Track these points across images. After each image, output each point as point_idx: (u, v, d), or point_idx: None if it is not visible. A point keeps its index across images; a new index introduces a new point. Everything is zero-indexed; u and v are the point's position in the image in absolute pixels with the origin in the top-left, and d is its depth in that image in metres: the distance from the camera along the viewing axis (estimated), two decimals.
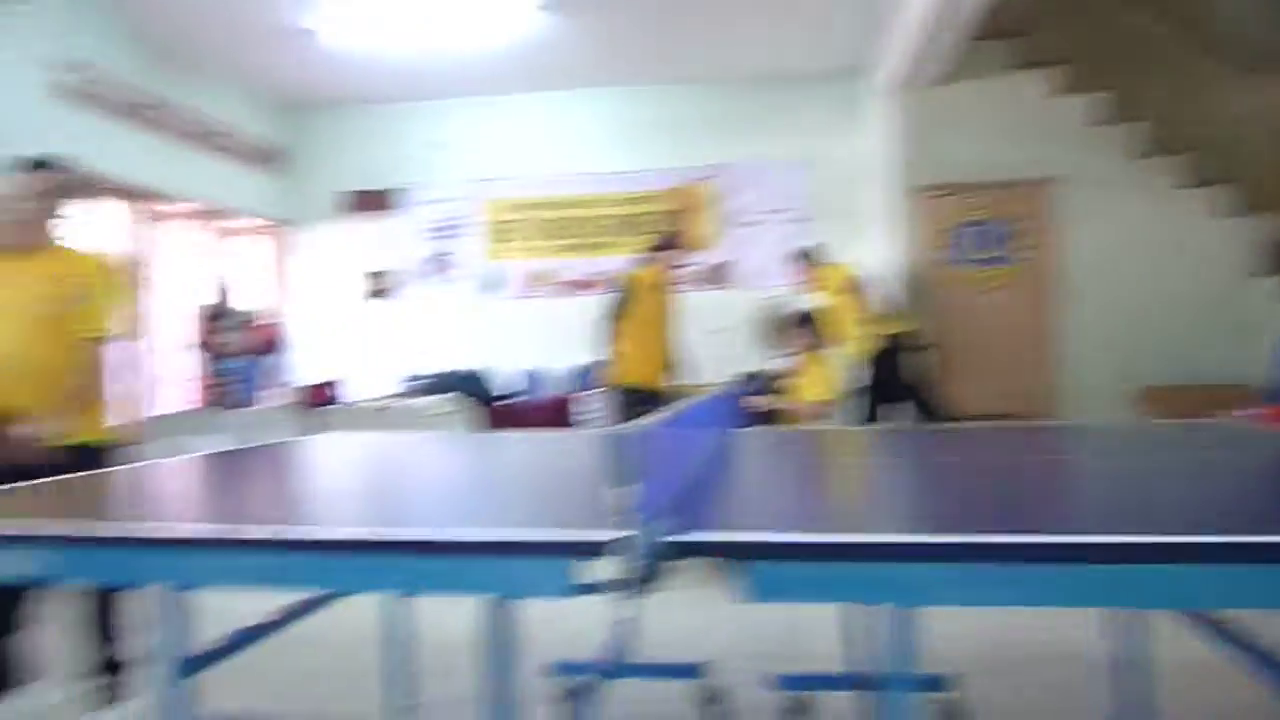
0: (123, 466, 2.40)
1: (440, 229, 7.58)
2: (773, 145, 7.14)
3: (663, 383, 5.01)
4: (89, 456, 2.61)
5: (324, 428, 4.58)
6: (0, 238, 2.72)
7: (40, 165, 2.77)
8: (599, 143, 7.37)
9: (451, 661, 3.00)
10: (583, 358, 7.00)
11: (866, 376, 5.24)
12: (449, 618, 2.98)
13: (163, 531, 1.38)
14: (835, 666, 2.68)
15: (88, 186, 5.54)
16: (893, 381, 5.21)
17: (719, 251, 7.24)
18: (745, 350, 5.95)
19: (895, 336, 5.29)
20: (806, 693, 2.52)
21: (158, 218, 6.22)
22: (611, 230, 7.40)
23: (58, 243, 2.81)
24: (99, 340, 2.79)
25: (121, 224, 6.02)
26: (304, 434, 4.40)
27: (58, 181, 2.80)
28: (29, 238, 2.73)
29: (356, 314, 7.60)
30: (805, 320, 4.75)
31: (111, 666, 2.84)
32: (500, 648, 1.51)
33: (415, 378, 6.50)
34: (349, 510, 1.72)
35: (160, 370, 6.18)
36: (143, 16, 5.65)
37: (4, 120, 4.79)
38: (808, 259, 5.61)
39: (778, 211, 7.19)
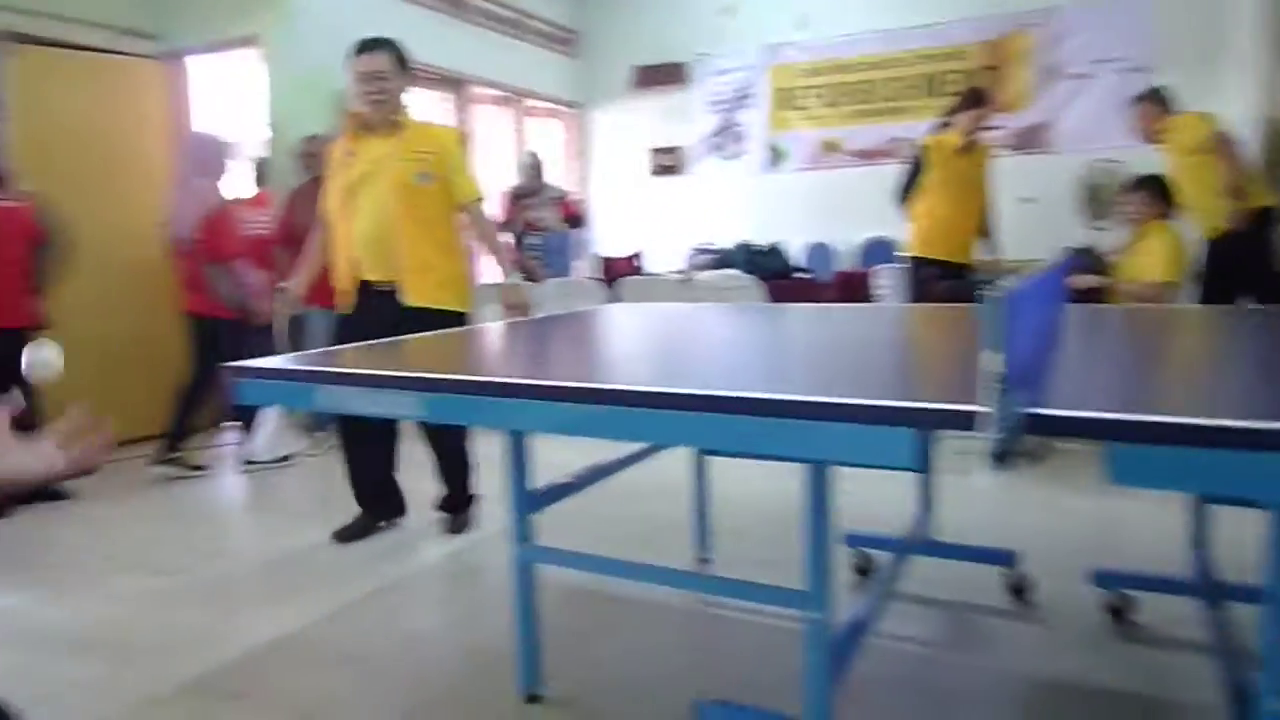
0: (467, 328, 2.66)
1: (727, 101, 7.45)
2: None
3: (970, 257, 4.66)
4: (453, 321, 2.86)
5: (627, 297, 4.81)
6: (360, 117, 2.97)
7: (376, 45, 2.95)
8: None
9: (742, 522, 3.13)
10: (875, 231, 6.73)
11: (1220, 257, 4.44)
12: (739, 480, 3.08)
13: (513, 382, 1.50)
14: (1154, 568, 2.43)
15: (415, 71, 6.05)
16: (1253, 266, 4.38)
17: (1037, 111, 6.45)
18: (1067, 222, 5.32)
19: (1263, 211, 4.40)
20: (1127, 592, 2.32)
21: (468, 103, 6.68)
22: (911, 93, 6.85)
23: (409, 118, 3.01)
24: (467, 207, 3.02)
25: (439, 109, 6.54)
26: (610, 303, 4.67)
27: (398, 57, 2.98)
28: (384, 114, 2.94)
29: (648, 190, 7.78)
30: (1146, 185, 4.12)
31: (464, 501, 3.26)
32: (818, 514, 1.51)
33: (705, 251, 6.58)
34: (686, 370, 1.76)
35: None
36: None
37: (344, 14, 5.31)
38: (1157, 104, 4.69)
39: (1109, 61, 6.22)
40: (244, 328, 4.09)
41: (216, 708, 2.04)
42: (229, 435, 4.42)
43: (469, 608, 2.59)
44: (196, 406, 4.17)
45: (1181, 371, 1.64)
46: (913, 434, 1.06)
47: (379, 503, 3.20)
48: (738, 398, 1.18)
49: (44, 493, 3.80)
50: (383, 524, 3.21)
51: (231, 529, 3.47)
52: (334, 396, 1.56)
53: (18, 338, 3.78)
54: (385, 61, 2.92)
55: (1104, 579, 2.36)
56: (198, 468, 4.23)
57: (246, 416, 4.20)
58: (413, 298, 2.91)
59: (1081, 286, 3.91)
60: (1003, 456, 0.96)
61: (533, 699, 1.97)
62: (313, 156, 4.54)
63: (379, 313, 2.85)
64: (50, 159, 4.52)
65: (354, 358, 1.84)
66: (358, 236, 2.91)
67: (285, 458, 4.18)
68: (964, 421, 1.02)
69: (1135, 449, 0.99)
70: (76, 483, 4.04)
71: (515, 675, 1.98)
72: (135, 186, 5.02)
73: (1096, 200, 4.78)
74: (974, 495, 3.30)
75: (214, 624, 2.51)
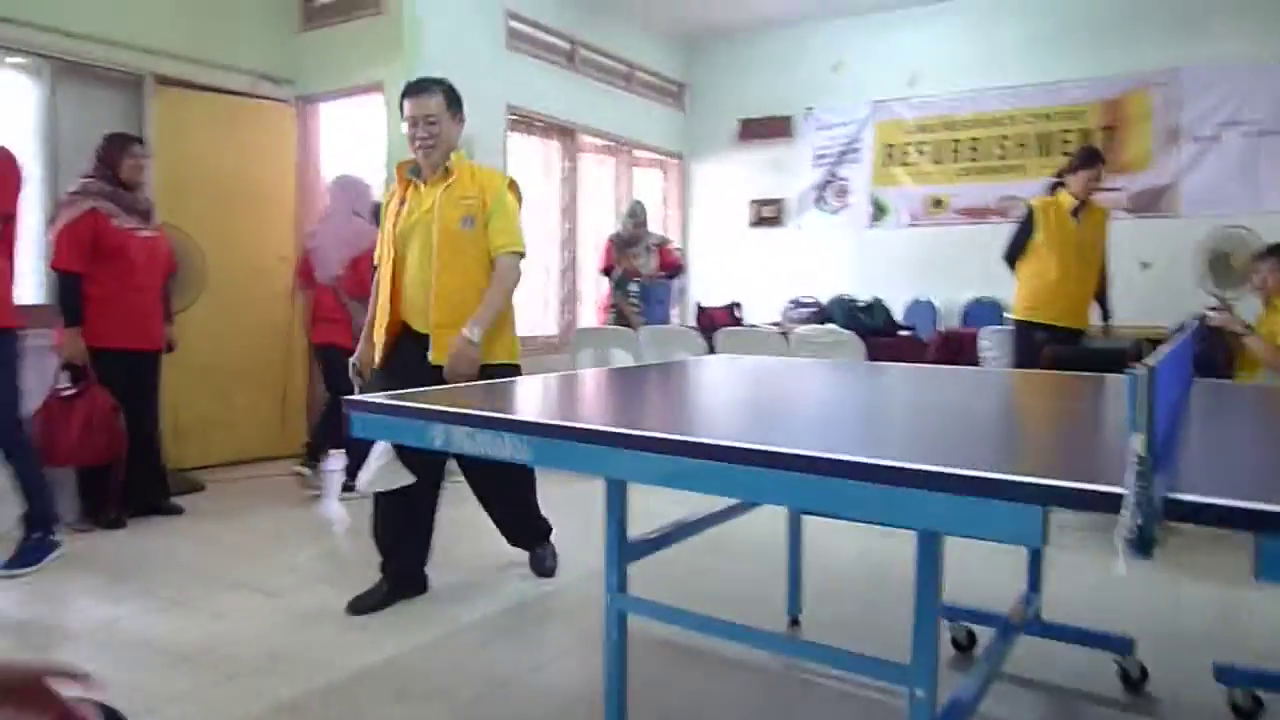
0: (564, 373, 2.69)
1: (832, 155, 7.43)
2: (1238, 44, 5.89)
3: (1083, 322, 4.49)
4: (502, 374, 2.67)
5: (724, 348, 4.80)
6: (421, 166, 2.88)
7: (426, 86, 2.82)
8: (1012, 53, 6.64)
9: (835, 583, 3.04)
10: (979, 291, 6.56)
11: None
12: (834, 538, 3.00)
13: (613, 431, 1.50)
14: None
15: (526, 121, 6.25)
16: None
17: (1157, 173, 6.21)
18: (1187, 288, 5.07)
19: None
20: (1255, 691, 2.15)
21: (576, 151, 6.86)
22: (1022, 151, 6.70)
23: (461, 162, 2.88)
24: (495, 256, 2.84)
25: (547, 157, 6.74)
26: (706, 353, 4.67)
27: (450, 98, 2.85)
28: (434, 160, 2.83)
29: (747, 241, 7.80)
30: (1277, 253, 3.92)
31: (541, 533, 3.24)
32: (928, 587, 1.45)
33: (802, 304, 6.53)
34: (797, 429, 1.74)
35: (580, 289, 6.91)
36: None
37: (463, 63, 5.55)
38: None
39: (1237, 124, 5.96)
40: None
41: None
42: (339, 462, 4.57)
43: (556, 651, 2.59)
44: (335, 430, 4.36)
45: None
46: (1041, 511, 1.01)
47: (404, 570, 2.95)
48: (855, 463, 1.15)
49: (156, 507, 4.00)
50: (402, 596, 2.94)
51: (335, 555, 3.57)
52: (445, 435, 1.60)
53: (154, 359, 4.04)
54: (436, 104, 2.81)
55: (1228, 674, 2.20)
56: (316, 489, 4.42)
57: (361, 447, 4.37)
58: (440, 356, 2.76)
59: (1218, 324, 3.74)
60: (1144, 543, 0.90)
61: None
62: None
63: (414, 359, 2.77)
64: (187, 194, 4.84)
65: (464, 398, 1.88)
66: (405, 286, 2.85)
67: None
68: (1099, 502, 0.97)
69: None
70: (188, 498, 4.24)
71: None
72: (262, 223, 5.32)
73: (1223, 267, 4.53)
74: (1084, 574, 3.13)
75: (310, 647, 2.57)
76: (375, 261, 3.00)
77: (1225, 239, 4.65)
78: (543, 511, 3.30)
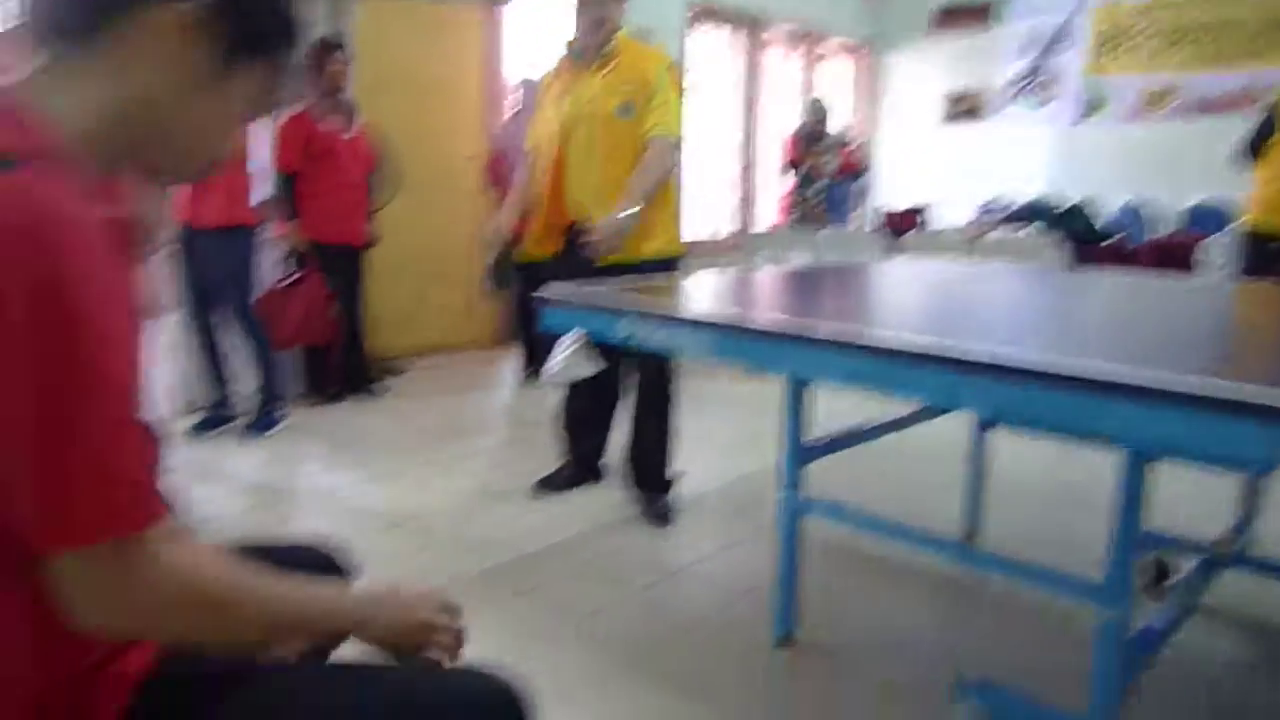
0: (746, 268, 2.67)
1: (1039, 43, 6.77)
2: None
3: None
4: (661, 267, 2.63)
5: (910, 251, 4.60)
6: (581, 48, 2.69)
7: None
8: None
9: (1016, 498, 2.93)
10: (1205, 193, 5.88)
11: None
12: (1016, 452, 2.88)
13: (798, 329, 1.48)
14: None
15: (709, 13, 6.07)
16: None
17: None
18: None
19: None
20: None
21: (758, 44, 6.60)
22: (1260, 35, 5.82)
23: (623, 44, 2.70)
24: (647, 140, 2.64)
25: (731, 51, 6.53)
26: (890, 257, 4.49)
27: None
28: (599, 41, 2.65)
29: (940, 138, 7.33)
30: None
31: (663, 484, 2.96)
32: (1130, 506, 1.37)
33: (1000, 206, 6.10)
34: (990, 333, 1.67)
35: (758, 188, 6.78)
36: None
37: None
38: None
39: None
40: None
41: (507, 599, 2.26)
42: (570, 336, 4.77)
43: (731, 544, 2.66)
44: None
45: None
46: (1270, 434, 0.93)
47: (586, 457, 3.08)
48: (1064, 375, 1.09)
49: (367, 387, 4.38)
50: (582, 482, 3.08)
51: (518, 440, 3.80)
52: (634, 328, 1.64)
53: (358, 255, 4.35)
54: None
55: None
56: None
57: (548, 339, 4.58)
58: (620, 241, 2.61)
59: None
60: None
61: (783, 643, 1.99)
62: None
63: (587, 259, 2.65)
64: (384, 96, 5.06)
65: (651, 292, 1.92)
66: (570, 178, 2.75)
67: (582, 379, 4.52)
68: None
69: None
70: (391, 381, 4.61)
71: (772, 618, 2.01)
72: (452, 123, 5.51)
73: None
74: None
75: (498, 525, 2.78)
76: (529, 145, 2.91)
77: None
78: (697, 412, 3.24)
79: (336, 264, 4.17)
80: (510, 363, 5.11)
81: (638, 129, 2.63)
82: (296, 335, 4.00)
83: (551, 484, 3.05)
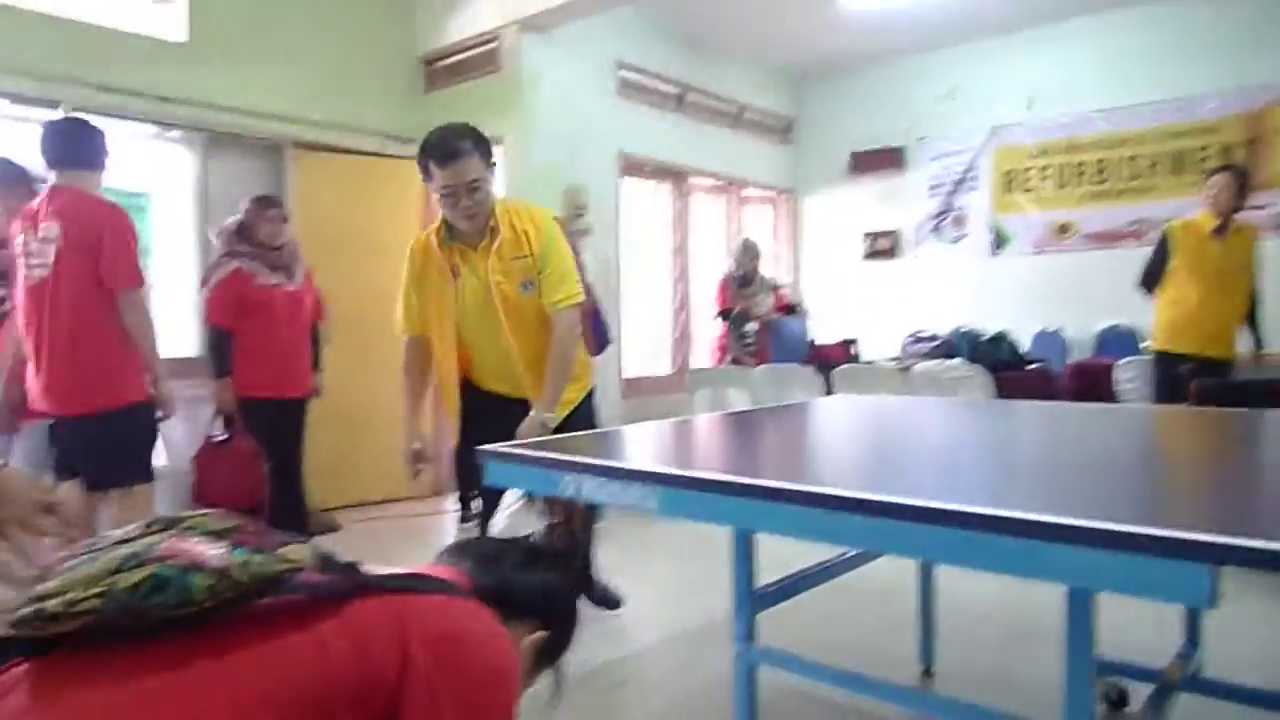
0: (684, 418, 2.70)
1: (948, 184, 7.26)
2: None
3: (1229, 351, 4.22)
4: (579, 411, 2.74)
5: (843, 384, 4.71)
6: (458, 229, 2.63)
7: (461, 148, 2.50)
8: (1137, 69, 6.34)
9: (970, 631, 2.91)
10: (1113, 319, 6.24)
11: None
12: (968, 584, 2.88)
13: (739, 482, 1.49)
14: None
15: (638, 167, 6.39)
16: None
17: None
18: None
19: None
20: None
21: (684, 192, 6.93)
22: (1153, 172, 6.37)
23: (501, 212, 2.63)
24: (570, 310, 2.66)
25: (659, 200, 6.84)
26: (824, 392, 4.60)
27: (484, 151, 2.56)
28: (480, 225, 2.60)
29: (862, 274, 7.68)
30: None
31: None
32: (1080, 647, 1.38)
33: (922, 339, 6.36)
34: (927, 476, 1.70)
35: (693, 327, 6.95)
36: (676, 14, 6.28)
37: (588, 117, 5.73)
38: None
39: None
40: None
41: None
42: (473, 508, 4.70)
43: (681, 699, 2.57)
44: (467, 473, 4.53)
45: None
46: (1209, 571, 0.95)
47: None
48: (1007, 518, 1.11)
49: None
50: None
51: None
52: (575, 484, 1.63)
53: (300, 405, 4.28)
54: (476, 165, 2.51)
55: None
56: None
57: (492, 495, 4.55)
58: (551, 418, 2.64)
59: None
60: None
61: None
62: None
63: (507, 415, 2.64)
64: (322, 249, 5.13)
65: (593, 448, 1.92)
66: (485, 360, 2.75)
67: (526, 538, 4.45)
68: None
69: None
70: (325, 539, 4.45)
71: None
72: (392, 274, 5.57)
73: None
74: (1252, 623, 2.90)
75: None
76: (406, 331, 2.84)
77: None
78: (645, 558, 3.28)
79: (276, 417, 4.09)
80: (450, 514, 4.99)
81: (540, 301, 2.64)
82: (224, 494, 3.87)
83: None
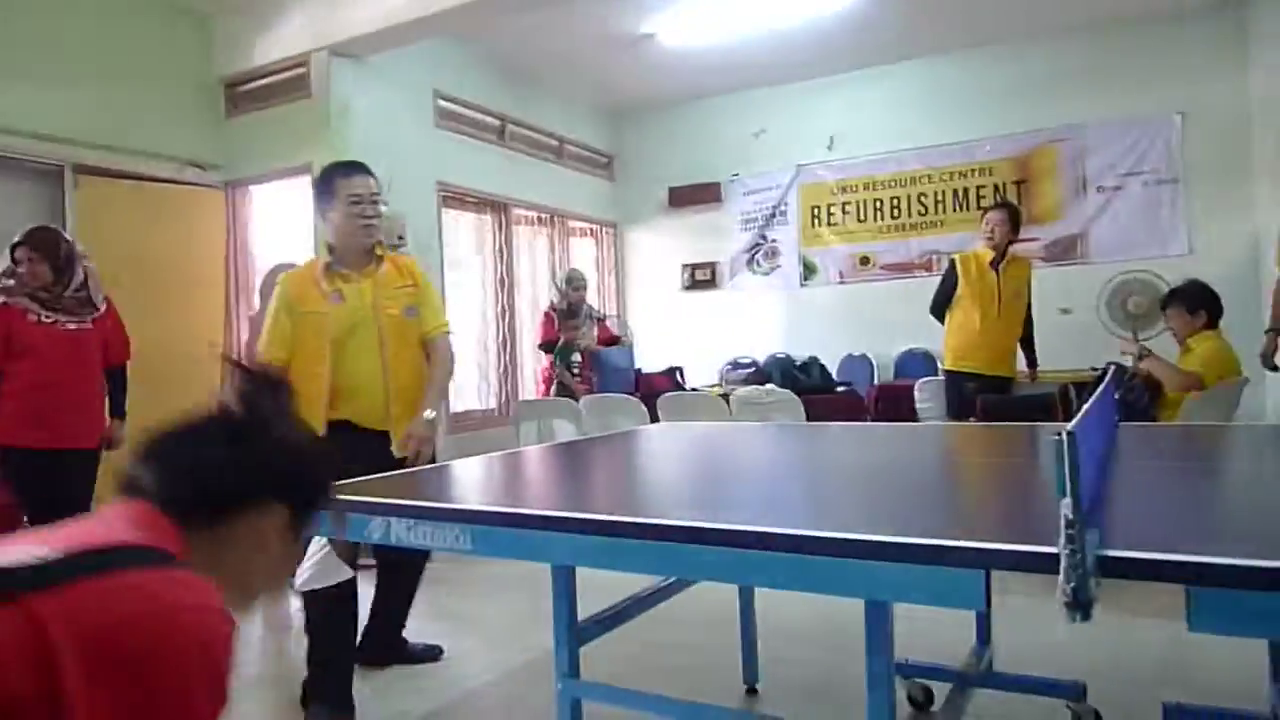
0: (504, 452, 2.66)
1: (760, 218, 7.63)
2: (1135, 99, 6.26)
3: (1010, 370, 4.64)
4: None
5: (666, 414, 4.81)
6: (345, 255, 2.74)
7: (362, 167, 2.74)
8: (926, 115, 6.95)
9: (790, 647, 3.02)
10: (911, 343, 6.74)
11: None
12: (786, 602, 2.98)
13: (560, 515, 1.48)
14: (1225, 702, 2.28)
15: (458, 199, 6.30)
16: None
17: (1069, 223, 6.51)
18: (1104, 333, 5.26)
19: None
20: None
21: (507, 224, 6.90)
22: (940, 207, 6.97)
23: (381, 251, 2.80)
24: (436, 339, 2.85)
25: (482, 231, 6.77)
26: (649, 420, 4.67)
27: (377, 185, 2.76)
28: (375, 241, 2.76)
29: (683, 304, 7.90)
30: (1178, 299, 4.12)
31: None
32: (875, 648, 1.45)
33: (741, 365, 6.61)
34: (737, 502, 1.74)
35: (520, 360, 6.88)
36: (495, 46, 6.29)
37: (391, 144, 5.59)
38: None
39: (1138, 174, 6.31)
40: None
41: None
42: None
43: None
44: None
45: (1252, 500, 1.58)
46: (983, 576, 1.03)
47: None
48: (797, 535, 1.16)
49: None
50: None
51: (262, 655, 3.42)
52: (384, 528, 1.56)
53: (79, 457, 3.84)
54: (376, 183, 2.76)
55: (1179, 714, 2.22)
56: None
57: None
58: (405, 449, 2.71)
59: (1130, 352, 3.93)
60: (1081, 605, 0.92)
61: None
62: None
63: (371, 455, 2.57)
64: (113, 283, 4.70)
65: (402, 487, 1.84)
66: (356, 382, 2.69)
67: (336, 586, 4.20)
68: (1038, 564, 0.99)
69: (1219, 594, 0.95)
70: None
71: None
72: (194, 310, 5.21)
73: (1121, 312, 4.73)
74: (1034, 619, 3.16)
75: None
76: (268, 358, 2.64)
77: (1124, 285, 4.86)
78: (467, 596, 3.21)
79: (48, 470, 3.67)
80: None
81: (421, 327, 2.81)
82: None
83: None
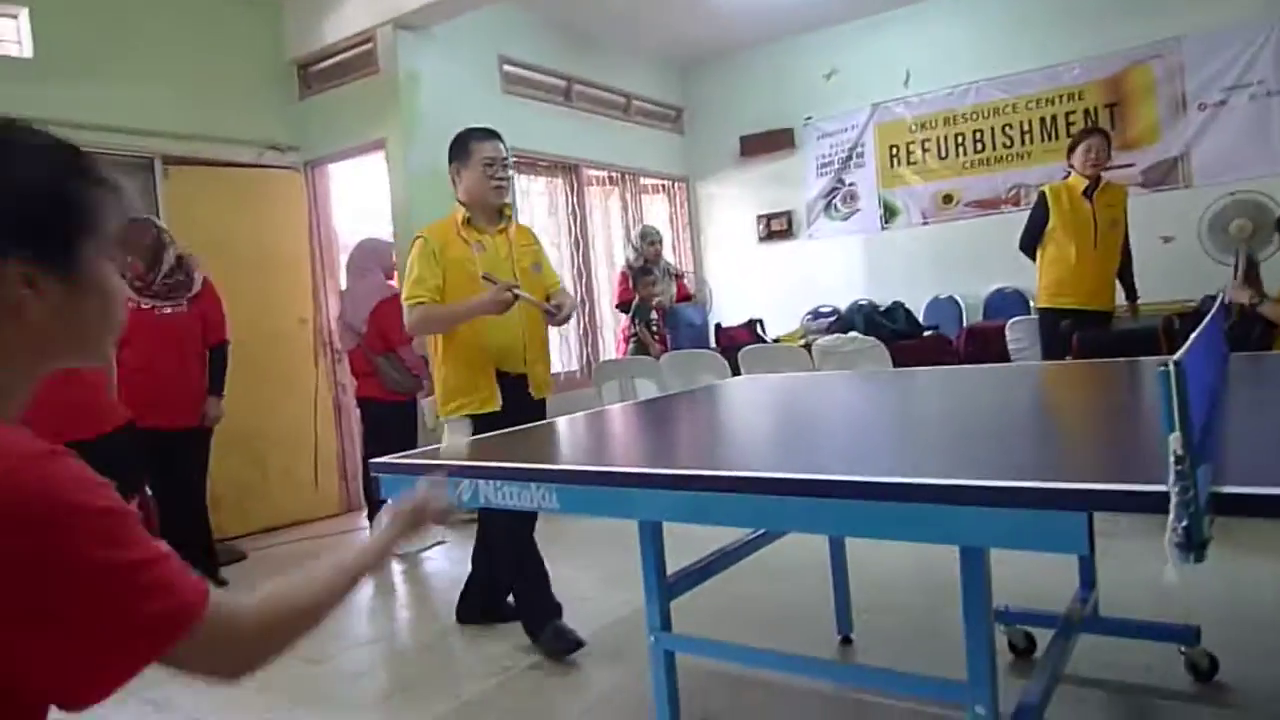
0: (586, 412, 2.68)
1: (836, 162, 7.42)
2: (1235, 5, 5.81)
3: (1109, 304, 4.43)
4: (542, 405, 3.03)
5: (747, 367, 4.77)
6: (477, 213, 2.96)
7: (494, 133, 2.98)
8: (1004, 41, 6.60)
9: (885, 596, 2.98)
10: (1002, 282, 6.49)
11: None
12: (879, 551, 2.95)
13: (643, 472, 1.48)
14: None
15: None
16: None
17: (1168, 145, 6.13)
18: (1209, 261, 4.96)
19: None
20: None
21: (580, 186, 6.89)
22: (1025, 138, 6.64)
23: (508, 212, 3.05)
24: (557, 294, 3.07)
25: (554, 194, 6.78)
26: (729, 374, 4.64)
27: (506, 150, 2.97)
28: (504, 201, 2.99)
29: (759, 256, 7.79)
30: None
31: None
32: (976, 600, 1.41)
33: (822, 314, 6.49)
34: (827, 453, 1.72)
35: (599, 321, 6.92)
36: (556, 7, 6.23)
37: (474, 114, 5.61)
38: None
39: (1244, 87, 5.88)
40: (409, 409, 4.57)
41: None
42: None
43: (607, 692, 2.55)
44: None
45: None
46: (1085, 519, 0.98)
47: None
48: (889, 484, 1.13)
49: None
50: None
51: (373, 616, 3.57)
52: (471, 490, 1.59)
53: (186, 437, 4.06)
54: (506, 149, 2.98)
55: None
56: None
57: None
58: (542, 389, 3.03)
59: (1240, 300, 3.64)
60: (1195, 545, 0.87)
61: None
62: None
63: (521, 405, 2.89)
64: (205, 267, 4.91)
65: (487, 450, 1.87)
66: (503, 333, 2.90)
67: (430, 546, 4.35)
68: (1145, 504, 0.94)
69: None
70: (232, 569, 4.26)
71: None
72: (281, 287, 5.38)
73: (1237, 237, 4.42)
74: (1143, 561, 3.05)
75: (362, 707, 2.55)
76: (416, 299, 2.84)
77: (1228, 208, 4.54)
78: (559, 555, 3.30)
79: (157, 449, 3.88)
80: (363, 531, 4.85)
81: (545, 281, 3.06)
82: None
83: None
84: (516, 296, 2.75)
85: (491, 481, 1.58)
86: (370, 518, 4.66)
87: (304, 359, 5.43)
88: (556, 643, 2.80)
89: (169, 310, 4.01)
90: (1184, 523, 0.86)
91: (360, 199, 5.69)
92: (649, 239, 5.76)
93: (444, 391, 2.93)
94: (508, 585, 3.10)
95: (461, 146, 2.96)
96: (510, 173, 2.99)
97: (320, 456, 5.46)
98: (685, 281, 6.20)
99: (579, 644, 2.79)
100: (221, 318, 4.25)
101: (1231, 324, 3.80)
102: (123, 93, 4.73)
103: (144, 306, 3.91)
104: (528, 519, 2.94)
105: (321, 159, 5.63)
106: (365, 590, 3.92)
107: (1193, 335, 1.26)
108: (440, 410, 2.95)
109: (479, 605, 3.18)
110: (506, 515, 2.69)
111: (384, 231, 5.31)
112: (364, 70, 5.35)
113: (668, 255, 6.63)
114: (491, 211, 2.99)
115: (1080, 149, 4.37)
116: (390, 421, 4.45)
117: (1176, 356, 0.89)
